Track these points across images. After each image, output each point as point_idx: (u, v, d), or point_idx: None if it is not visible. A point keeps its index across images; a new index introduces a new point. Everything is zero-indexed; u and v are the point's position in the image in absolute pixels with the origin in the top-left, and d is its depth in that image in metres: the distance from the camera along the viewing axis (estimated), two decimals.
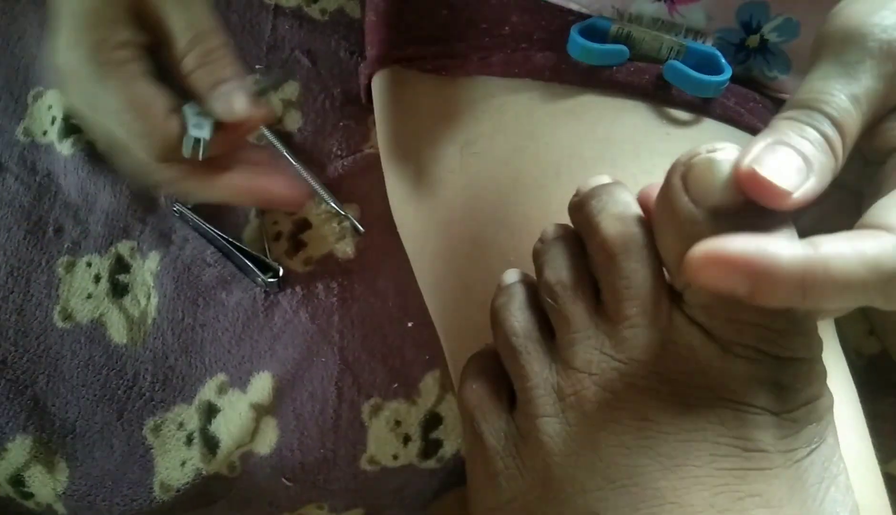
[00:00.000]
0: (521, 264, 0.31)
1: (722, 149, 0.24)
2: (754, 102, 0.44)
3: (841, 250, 0.21)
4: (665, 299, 0.25)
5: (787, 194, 0.22)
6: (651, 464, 0.23)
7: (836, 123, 0.24)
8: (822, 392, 0.25)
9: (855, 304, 0.23)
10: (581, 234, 0.28)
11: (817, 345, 0.25)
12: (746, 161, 0.23)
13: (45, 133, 0.61)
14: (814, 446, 0.24)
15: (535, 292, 0.29)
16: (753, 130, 0.43)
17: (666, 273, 0.26)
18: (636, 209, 0.27)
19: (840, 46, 0.25)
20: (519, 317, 0.28)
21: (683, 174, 0.24)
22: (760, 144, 0.24)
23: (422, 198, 0.47)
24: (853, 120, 0.24)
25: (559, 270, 0.27)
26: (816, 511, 0.23)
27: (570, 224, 0.29)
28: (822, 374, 0.26)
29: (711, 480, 0.23)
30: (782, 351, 0.24)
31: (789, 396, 0.24)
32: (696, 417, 0.24)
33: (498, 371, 0.28)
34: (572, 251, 0.27)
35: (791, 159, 0.23)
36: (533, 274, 0.29)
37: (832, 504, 0.24)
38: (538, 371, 0.26)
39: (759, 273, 0.21)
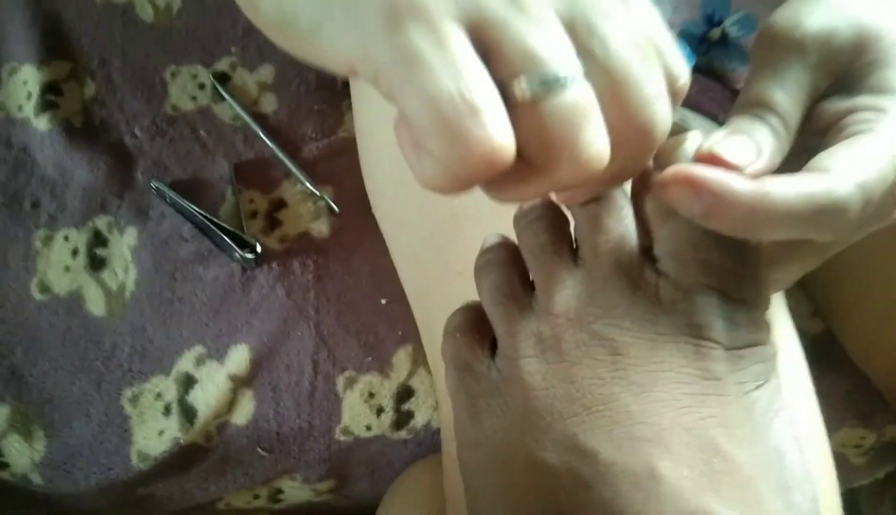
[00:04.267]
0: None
1: (691, 134, 0.28)
2: (714, 91, 0.48)
3: (782, 185, 0.25)
4: (637, 255, 0.29)
5: (740, 168, 0.26)
6: (623, 392, 0.26)
7: (777, 114, 0.28)
8: (767, 340, 0.29)
9: (791, 234, 0.26)
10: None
11: (764, 297, 0.29)
12: (706, 146, 0.27)
13: (20, 108, 0.62)
14: (760, 382, 0.28)
15: (516, 252, 0.31)
16: (714, 117, 0.47)
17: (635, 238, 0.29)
18: None
19: (771, 49, 0.29)
20: (502, 272, 0.30)
21: (655, 155, 0.28)
22: (719, 133, 0.28)
23: (400, 178, 0.49)
24: (791, 108, 0.29)
25: (539, 231, 0.30)
26: (764, 434, 0.27)
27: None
28: (767, 325, 0.29)
29: (676, 403, 0.26)
30: (734, 292, 0.28)
31: (739, 334, 0.28)
32: (662, 351, 0.27)
33: (480, 323, 0.31)
34: (550, 215, 0.30)
35: (745, 143, 0.27)
36: (506, 237, 0.32)
37: (777, 431, 0.27)
38: (520, 318, 0.29)
39: (714, 195, 0.25)
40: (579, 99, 0.22)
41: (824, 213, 0.25)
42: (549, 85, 0.22)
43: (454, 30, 0.21)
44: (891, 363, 0.57)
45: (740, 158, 0.27)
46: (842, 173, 0.25)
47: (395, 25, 0.21)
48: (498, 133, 0.21)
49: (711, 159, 0.26)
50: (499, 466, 0.28)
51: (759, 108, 0.29)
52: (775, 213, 0.25)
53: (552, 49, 0.22)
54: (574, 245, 0.30)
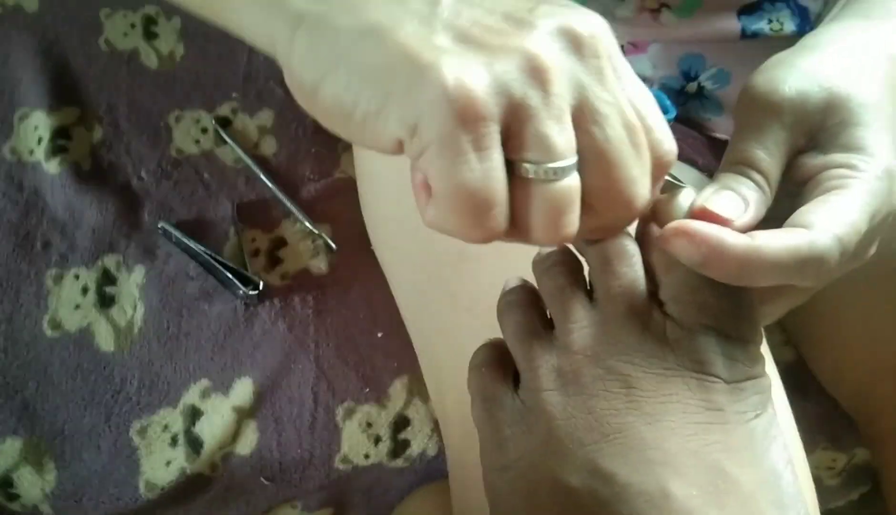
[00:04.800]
0: (506, 273, 0.37)
1: (683, 191, 0.32)
2: (693, 139, 0.52)
3: (770, 239, 0.29)
4: (645, 298, 0.32)
5: (730, 221, 0.30)
6: (637, 421, 0.30)
7: (759, 171, 0.32)
8: (763, 373, 0.33)
9: (778, 281, 0.30)
10: (578, 248, 0.34)
11: (759, 335, 0.33)
12: (700, 201, 0.31)
13: (31, 153, 0.64)
14: (759, 411, 0.31)
15: (535, 294, 0.34)
16: (692, 162, 0.50)
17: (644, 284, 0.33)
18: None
19: (750, 111, 0.33)
20: (525, 311, 0.33)
21: (653, 207, 0.33)
22: (710, 189, 0.32)
23: (405, 216, 0.52)
24: (770, 165, 0.33)
25: (557, 275, 0.33)
26: (762, 458, 0.30)
27: None
28: (762, 360, 0.33)
29: (683, 430, 0.29)
30: (732, 331, 0.31)
31: (737, 369, 0.31)
32: (670, 384, 0.30)
33: (503, 359, 0.34)
34: (566, 261, 0.34)
35: (733, 199, 0.31)
36: (525, 280, 0.35)
37: (774, 455, 0.31)
38: (541, 354, 0.32)
39: (711, 247, 0.28)
40: (569, 189, 0.26)
41: (807, 263, 0.29)
42: (549, 174, 0.25)
43: (493, 131, 0.24)
44: (858, 387, 0.60)
45: (730, 212, 0.31)
46: (822, 228, 0.29)
47: (451, 122, 0.23)
48: (499, 223, 0.25)
49: (704, 214, 0.30)
50: (525, 488, 0.31)
51: (743, 166, 0.33)
52: (765, 264, 0.29)
53: (561, 142, 0.25)
54: (589, 287, 0.33)
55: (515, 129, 0.25)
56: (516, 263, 0.35)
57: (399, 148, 0.26)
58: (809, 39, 0.36)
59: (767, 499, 0.29)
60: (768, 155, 0.32)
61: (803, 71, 0.33)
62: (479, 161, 0.24)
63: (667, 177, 0.32)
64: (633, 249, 0.32)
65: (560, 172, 0.25)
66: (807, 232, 0.29)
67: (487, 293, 0.35)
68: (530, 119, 0.24)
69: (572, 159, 0.25)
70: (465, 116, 0.23)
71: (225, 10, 0.30)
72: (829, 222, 0.30)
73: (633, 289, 0.32)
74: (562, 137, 0.25)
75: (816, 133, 0.33)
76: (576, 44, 0.25)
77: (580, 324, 0.31)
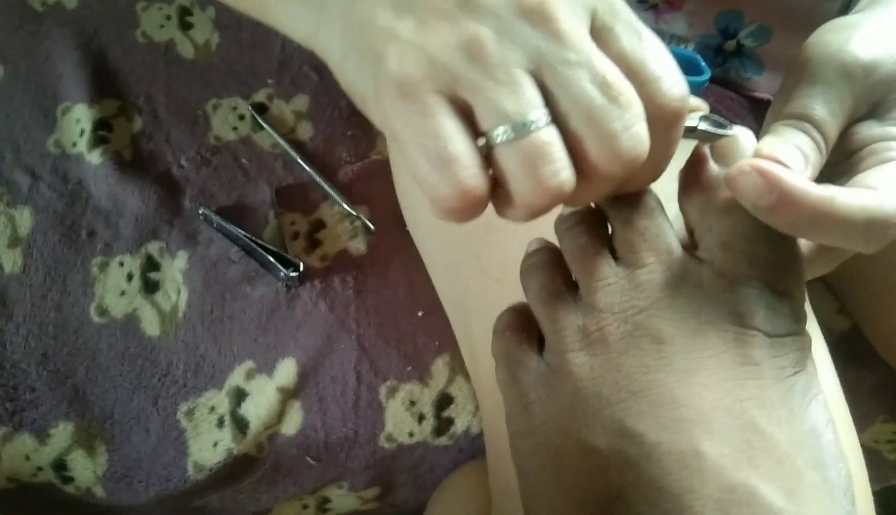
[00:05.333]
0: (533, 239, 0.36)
1: (741, 132, 0.31)
2: (731, 100, 0.50)
3: (845, 194, 0.28)
4: (675, 248, 0.31)
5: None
6: (667, 378, 0.29)
7: (820, 130, 0.31)
8: (804, 331, 0.31)
9: (840, 241, 0.29)
10: (600, 206, 0.33)
11: (804, 290, 0.32)
12: (767, 149, 0.30)
13: (74, 145, 0.66)
14: (798, 368, 0.30)
15: (558, 255, 0.34)
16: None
17: (674, 230, 0.32)
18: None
19: (819, 69, 0.32)
20: (547, 273, 0.33)
21: (712, 146, 0.32)
22: (772, 139, 0.31)
23: None
24: (832, 127, 0.32)
25: (579, 234, 0.32)
26: (801, 416, 0.29)
27: None
28: (804, 316, 0.32)
29: (717, 387, 0.28)
30: (779, 284, 0.30)
31: (780, 323, 0.30)
32: (703, 339, 0.29)
33: (527, 322, 0.33)
34: (589, 219, 0.33)
35: (795, 153, 0.30)
36: (548, 242, 0.35)
37: (814, 413, 0.29)
38: (566, 315, 0.31)
39: (786, 191, 0.28)
40: (539, 141, 0.25)
41: (875, 224, 0.28)
42: (516, 131, 0.25)
43: (435, 101, 0.26)
44: None
45: (794, 165, 0.30)
46: (890, 193, 0.29)
47: (398, 103, 0.26)
48: (468, 177, 0.26)
49: (773, 160, 0.29)
50: (550, 451, 0.30)
51: (803, 121, 0.32)
52: (836, 218, 0.28)
53: (514, 103, 0.25)
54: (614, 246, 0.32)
55: (471, 103, 0.26)
56: (544, 231, 0.35)
57: (384, 130, 0.28)
58: (874, 13, 0.35)
59: (805, 458, 0.28)
60: (832, 116, 0.32)
61: (879, 39, 0.32)
62: (428, 126, 0.25)
63: (706, 127, 0.31)
64: (653, 203, 0.32)
65: (523, 129, 0.25)
66: (876, 193, 0.29)
67: (516, 263, 0.34)
68: (477, 91, 0.26)
69: (535, 114, 0.25)
70: (405, 91, 0.26)
71: (273, 16, 0.33)
72: (894, 187, 0.29)
73: (659, 241, 0.31)
74: (515, 98, 0.25)
75: (877, 104, 0.32)
76: (525, 13, 0.26)
77: (605, 281, 0.31)
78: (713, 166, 0.31)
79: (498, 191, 0.27)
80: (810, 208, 0.28)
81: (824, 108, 0.32)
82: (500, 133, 0.25)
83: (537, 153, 0.25)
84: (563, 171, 0.26)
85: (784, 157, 0.30)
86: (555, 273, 0.32)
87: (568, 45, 0.26)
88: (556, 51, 0.26)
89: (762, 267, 0.30)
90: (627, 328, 0.30)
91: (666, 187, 0.32)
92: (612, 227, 0.32)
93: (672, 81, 0.27)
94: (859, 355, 0.62)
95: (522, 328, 0.33)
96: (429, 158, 0.25)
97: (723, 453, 0.27)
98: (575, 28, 0.26)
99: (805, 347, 0.31)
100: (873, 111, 0.32)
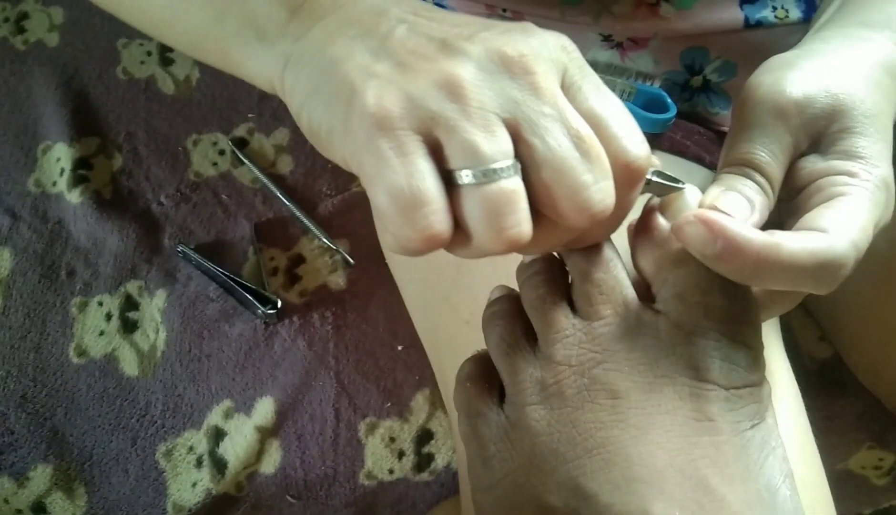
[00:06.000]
0: (501, 283, 0.36)
1: (687, 188, 0.32)
2: (699, 135, 0.50)
3: (792, 239, 0.28)
4: (631, 300, 0.31)
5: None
6: (622, 435, 0.29)
7: (763, 173, 0.32)
8: (763, 381, 0.31)
9: (792, 286, 0.29)
10: (560, 255, 0.33)
11: (760, 340, 0.32)
12: (709, 200, 0.31)
13: (54, 184, 0.66)
14: (756, 421, 0.30)
15: (519, 304, 0.33)
16: (699, 160, 0.49)
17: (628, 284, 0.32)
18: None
19: (754, 112, 0.33)
20: (507, 324, 0.33)
21: (660, 202, 0.32)
22: (716, 190, 0.31)
23: None
24: (775, 168, 0.32)
25: (538, 285, 0.32)
26: (756, 472, 0.29)
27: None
28: (763, 366, 0.31)
29: (670, 445, 0.28)
30: (735, 335, 0.30)
31: (737, 375, 0.30)
32: (659, 394, 0.29)
33: (488, 373, 0.33)
34: (548, 269, 0.33)
35: (739, 200, 0.31)
36: (511, 289, 0.35)
37: (770, 469, 0.29)
38: (525, 367, 0.31)
39: (729, 239, 0.28)
40: (506, 189, 0.25)
41: (825, 267, 0.28)
42: (483, 176, 0.25)
43: (413, 139, 0.25)
44: None
45: (738, 214, 0.30)
46: (838, 233, 0.29)
47: (372, 137, 0.25)
48: (436, 222, 0.25)
49: (715, 210, 0.30)
50: (509, 508, 0.30)
51: (746, 167, 0.32)
52: (783, 263, 0.28)
53: (488, 146, 0.25)
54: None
55: (443, 141, 0.26)
56: (512, 273, 0.35)
57: (346, 164, 0.27)
58: (813, 43, 0.36)
59: None
60: (773, 158, 0.32)
61: (810, 75, 0.33)
62: (402, 165, 0.25)
63: (658, 179, 0.31)
64: (610, 254, 0.32)
65: (493, 174, 0.25)
66: (825, 235, 0.29)
67: (483, 305, 0.34)
68: (452, 130, 0.25)
69: (505, 162, 0.25)
70: (382, 126, 0.25)
71: (236, 63, 0.34)
72: (845, 227, 0.29)
73: (615, 293, 0.31)
74: (489, 142, 0.25)
75: (817, 137, 0.32)
76: (505, 64, 0.26)
77: (562, 333, 0.31)
78: (662, 221, 0.32)
79: (455, 231, 0.27)
80: (755, 254, 0.28)
81: (764, 150, 0.32)
82: (468, 175, 0.25)
83: (502, 202, 0.25)
84: (523, 222, 0.26)
85: (727, 206, 0.30)
86: (514, 324, 0.32)
87: (544, 99, 0.26)
88: (533, 103, 0.26)
89: (717, 318, 0.30)
90: (584, 381, 0.30)
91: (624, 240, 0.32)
92: (570, 277, 0.32)
93: (636, 140, 0.27)
94: (842, 382, 0.62)
95: (483, 378, 0.33)
96: (398, 198, 0.25)
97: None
98: (551, 84, 0.26)
99: (762, 398, 0.31)
100: (815, 145, 0.33)
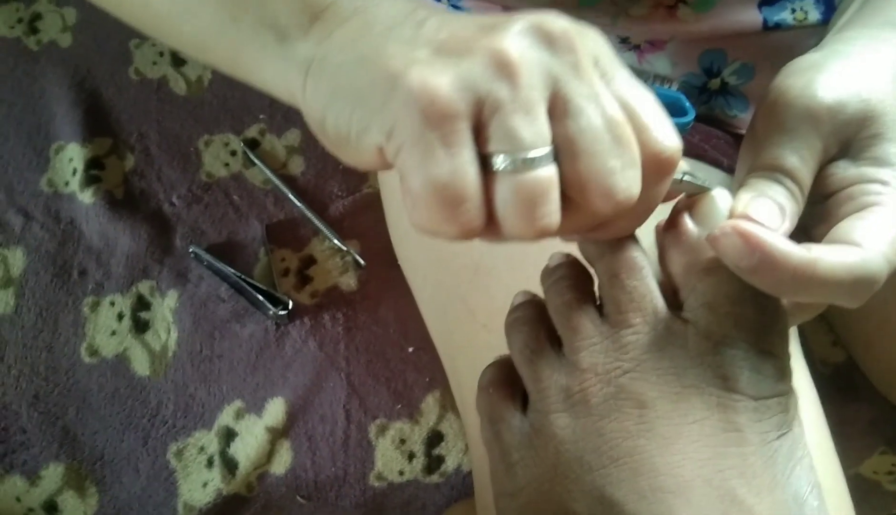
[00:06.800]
0: (519, 288, 0.36)
1: (717, 191, 0.31)
2: (717, 138, 0.50)
3: (827, 254, 0.28)
4: (660, 309, 0.30)
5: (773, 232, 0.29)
6: (648, 444, 0.28)
7: (794, 179, 0.31)
8: (790, 390, 0.31)
9: (826, 299, 0.29)
10: (588, 259, 0.33)
11: (788, 350, 0.31)
12: (741, 207, 0.30)
13: (66, 184, 0.66)
14: (784, 431, 0.29)
15: (543, 309, 0.33)
16: (717, 163, 0.49)
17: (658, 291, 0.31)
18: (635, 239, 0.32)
19: (784, 116, 0.32)
20: (531, 329, 0.32)
21: (689, 205, 0.31)
22: (747, 195, 0.31)
23: None
24: (805, 174, 0.31)
25: (564, 291, 0.32)
26: (784, 483, 0.28)
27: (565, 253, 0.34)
28: (790, 375, 0.31)
29: (698, 455, 0.28)
30: (764, 344, 0.30)
31: (765, 385, 0.29)
32: (686, 404, 0.29)
33: (511, 378, 0.33)
34: (574, 274, 0.32)
35: (771, 207, 0.30)
36: (534, 295, 0.34)
37: (798, 479, 0.29)
38: (549, 374, 0.31)
39: (767, 253, 0.27)
40: (541, 180, 0.25)
41: (861, 282, 0.28)
42: (522, 164, 0.24)
43: (461, 128, 0.24)
44: None
45: (770, 221, 0.29)
46: (872, 248, 0.28)
47: (417, 122, 0.24)
48: (474, 218, 0.24)
49: (748, 220, 0.29)
50: (533, 514, 0.30)
51: (776, 172, 0.31)
52: (819, 279, 0.27)
53: (529, 132, 0.24)
54: (598, 302, 0.32)
55: (485, 123, 0.25)
56: (531, 276, 0.34)
57: (381, 157, 0.26)
58: (837, 44, 0.35)
59: None
60: (803, 164, 0.31)
61: (842, 80, 0.32)
62: (448, 157, 0.24)
63: (689, 178, 0.31)
64: (642, 261, 0.31)
65: (530, 163, 0.24)
66: (859, 250, 0.28)
67: (502, 309, 0.34)
68: (497, 112, 0.24)
69: (543, 150, 0.25)
70: (430, 114, 0.24)
71: (248, 69, 0.32)
72: (878, 241, 0.29)
73: (646, 302, 0.30)
74: (530, 128, 0.24)
75: (847, 143, 0.32)
76: (548, 39, 0.25)
77: (589, 341, 0.30)
78: (692, 227, 0.31)
79: None
80: (792, 270, 0.27)
81: (794, 155, 0.31)
82: (504, 161, 0.25)
83: (537, 192, 0.25)
84: (554, 213, 0.25)
85: (758, 213, 0.29)
86: (538, 329, 0.32)
87: (584, 79, 0.25)
88: (572, 81, 0.25)
89: (747, 328, 0.30)
90: (610, 390, 0.29)
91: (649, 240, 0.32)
92: (598, 281, 0.32)
93: (667, 131, 0.27)
94: (856, 387, 0.62)
95: (506, 384, 0.32)
96: (439, 192, 0.24)
97: None
98: (590, 64, 0.26)
99: (790, 407, 0.30)
100: (845, 151, 0.32)
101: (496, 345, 0.34)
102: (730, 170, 0.49)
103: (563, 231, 0.27)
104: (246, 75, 0.33)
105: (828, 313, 0.63)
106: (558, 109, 0.25)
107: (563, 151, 0.25)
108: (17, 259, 0.62)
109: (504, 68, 0.24)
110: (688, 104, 0.46)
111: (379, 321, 0.62)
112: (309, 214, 0.66)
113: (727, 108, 0.51)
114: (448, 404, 0.59)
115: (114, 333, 0.60)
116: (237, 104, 0.72)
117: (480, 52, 0.25)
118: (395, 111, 0.24)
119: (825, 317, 0.63)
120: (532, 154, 0.24)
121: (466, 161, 0.24)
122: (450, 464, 0.59)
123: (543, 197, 0.25)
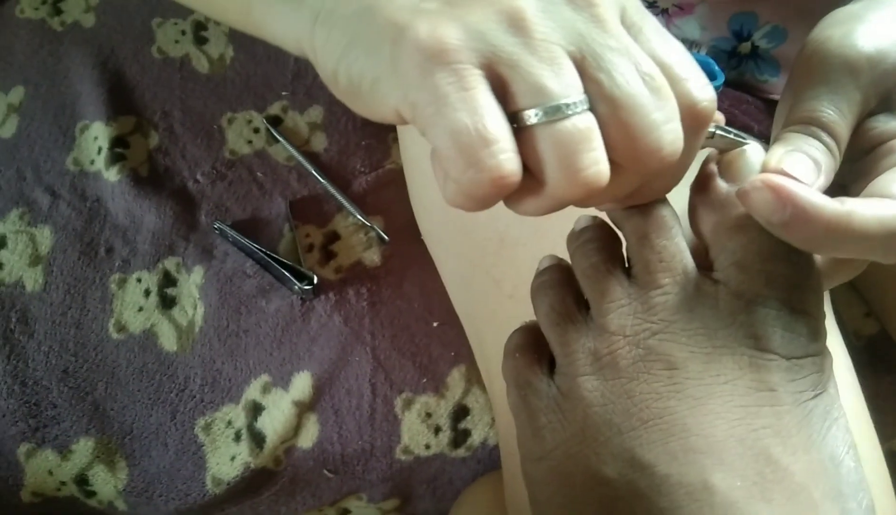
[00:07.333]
0: (545, 255, 0.35)
1: (750, 146, 0.30)
2: (747, 104, 0.49)
3: (861, 207, 0.27)
4: (690, 269, 0.30)
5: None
6: (679, 405, 0.28)
7: (830, 133, 0.30)
8: (824, 350, 0.30)
9: (860, 255, 0.28)
10: (615, 222, 0.32)
11: (822, 309, 0.30)
12: (774, 161, 0.29)
13: (92, 162, 0.66)
14: (818, 391, 0.29)
15: (569, 273, 0.33)
16: (747, 129, 0.48)
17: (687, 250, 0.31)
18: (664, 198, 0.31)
19: (822, 67, 0.31)
20: (557, 293, 0.32)
21: (719, 161, 0.30)
22: (780, 149, 0.29)
23: (447, 205, 0.51)
24: (842, 128, 0.30)
25: (591, 253, 0.31)
26: (820, 443, 0.28)
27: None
28: (824, 335, 0.30)
29: (730, 415, 0.27)
30: (797, 303, 0.29)
31: (798, 344, 0.29)
32: (717, 364, 0.28)
33: (537, 343, 0.32)
34: (601, 236, 0.32)
35: (806, 162, 0.29)
36: (560, 259, 0.34)
37: (833, 439, 0.28)
38: (577, 338, 0.30)
39: (799, 207, 0.26)
40: (580, 126, 0.24)
41: (895, 237, 0.27)
42: (553, 114, 0.24)
43: (473, 73, 0.23)
44: None
45: (805, 176, 0.28)
46: None
47: (428, 72, 0.23)
48: (506, 161, 0.23)
49: (781, 175, 0.28)
50: (561, 479, 0.29)
51: (812, 125, 0.30)
52: (853, 233, 0.26)
53: (556, 83, 0.24)
54: (626, 264, 0.31)
55: (506, 78, 0.24)
56: (558, 245, 0.34)
57: (397, 114, 0.25)
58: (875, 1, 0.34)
59: (822, 489, 0.27)
60: (840, 117, 0.30)
61: (882, 30, 0.31)
62: (463, 101, 0.23)
63: (723, 132, 0.30)
64: (671, 220, 0.30)
65: (562, 111, 0.24)
66: (894, 203, 0.27)
67: (528, 278, 0.33)
68: (516, 65, 0.24)
69: (575, 97, 0.24)
70: (439, 60, 0.23)
71: (259, 23, 0.32)
72: None
73: (675, 262, 0.30)
74: (557, 78, 0.24)
75: (888, 95, 0.31)
76: None
77: (617, 303, 0.30)
78: (722, 183, 0.30)
79: (525, 178, 0.25)
80: (825, 223, 0.26)
81: (832, 108, 0.30)
82: (536, 114, 0.24)
83: (577, 139, 0.24)
84: (601, 161, 0.24)
85: (792, 168, 0.28)
86: (565, 293, 0.32)
87: (610, 32, 0.25)
88: (598, 36, 0.24)
89: (779, 286, 0.29)
90: (639, 351, 0.29)
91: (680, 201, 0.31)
92: (626, 242, 0.31)
93: (701, 83, 0.26)
94: (889, 359, 0.61)
95: (533, 349, 0.32)
96: (461, 137, 0.23)
97: (734, 486, 0.26)
98: (615, 17, 0.25)
99: (825, 368, 0.29)
100: (885, 103, 0.31)
101: (522, 314, 0.34)
102: (760, 136, 0.48)
103: (603, 198, 0.27)
104: (257, 29, 0.32)
105: (859, 282, 0.62)
106: (589, 65, 0.24)
107: (601, 109, 0.24)
108: (45, 237, 0.63)
109: (516, 21, 0.24)
110: (717, 68, 0.45)
111: (403, 296, 0.62)
112: (332, 190, 0.66)
113: (757, 72, 0.50)
114: (474, 378, 0.59)
115: (141, 309, 0.61)
116: (259, 82, 0.72)
117: (492, 5, 0.24)
118: (405, 63, 0.24)
119: (856, 287, 0.62)
120: (564, 101, 0.24)
121: (484, 104, 0.23)
122: (476, 438, 0.59)
123: (585, 144, 0.24)
